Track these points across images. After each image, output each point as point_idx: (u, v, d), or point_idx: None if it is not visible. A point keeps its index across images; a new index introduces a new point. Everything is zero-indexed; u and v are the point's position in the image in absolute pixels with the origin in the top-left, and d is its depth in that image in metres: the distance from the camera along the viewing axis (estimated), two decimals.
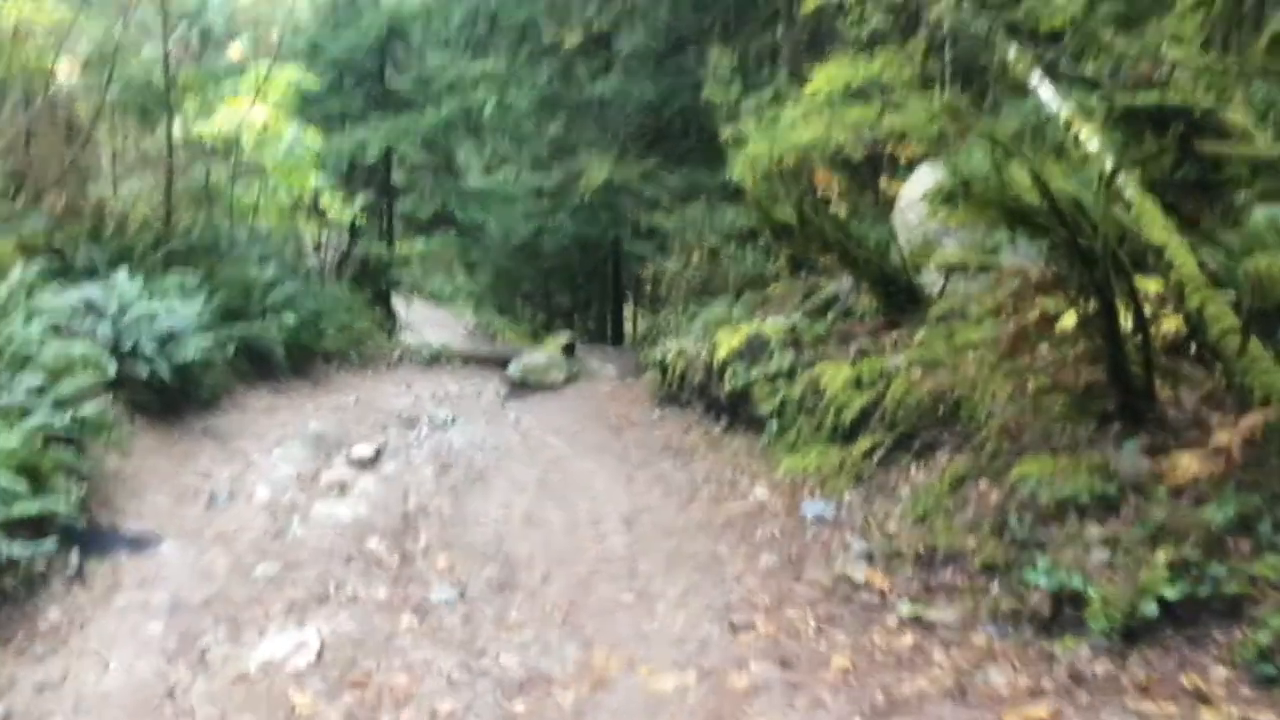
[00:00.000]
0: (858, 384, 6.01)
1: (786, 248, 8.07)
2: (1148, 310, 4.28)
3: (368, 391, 11.76)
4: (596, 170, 12.86)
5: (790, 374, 6.81)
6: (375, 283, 17.50)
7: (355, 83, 17.24)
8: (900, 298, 7.21)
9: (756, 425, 6.86)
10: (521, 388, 11.35)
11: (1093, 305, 4.64)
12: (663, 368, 8.65)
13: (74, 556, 4.66)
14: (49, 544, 4.09)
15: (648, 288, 22.41)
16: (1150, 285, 4.55)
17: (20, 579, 4.08)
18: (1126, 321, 4.18)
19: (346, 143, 16.22)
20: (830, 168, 8.97)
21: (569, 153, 17.49)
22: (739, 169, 7.30)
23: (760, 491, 5.86)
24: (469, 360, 17.99)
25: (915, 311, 7.06)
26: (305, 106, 14.78)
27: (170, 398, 7.77)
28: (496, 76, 16.95)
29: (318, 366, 12.31)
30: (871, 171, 9.58)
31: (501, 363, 16.92)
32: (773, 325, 7.39)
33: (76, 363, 5.84)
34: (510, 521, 5.52)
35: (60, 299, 6.64)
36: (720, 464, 6.64)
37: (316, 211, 14.33)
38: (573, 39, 15.14)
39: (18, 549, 3.90)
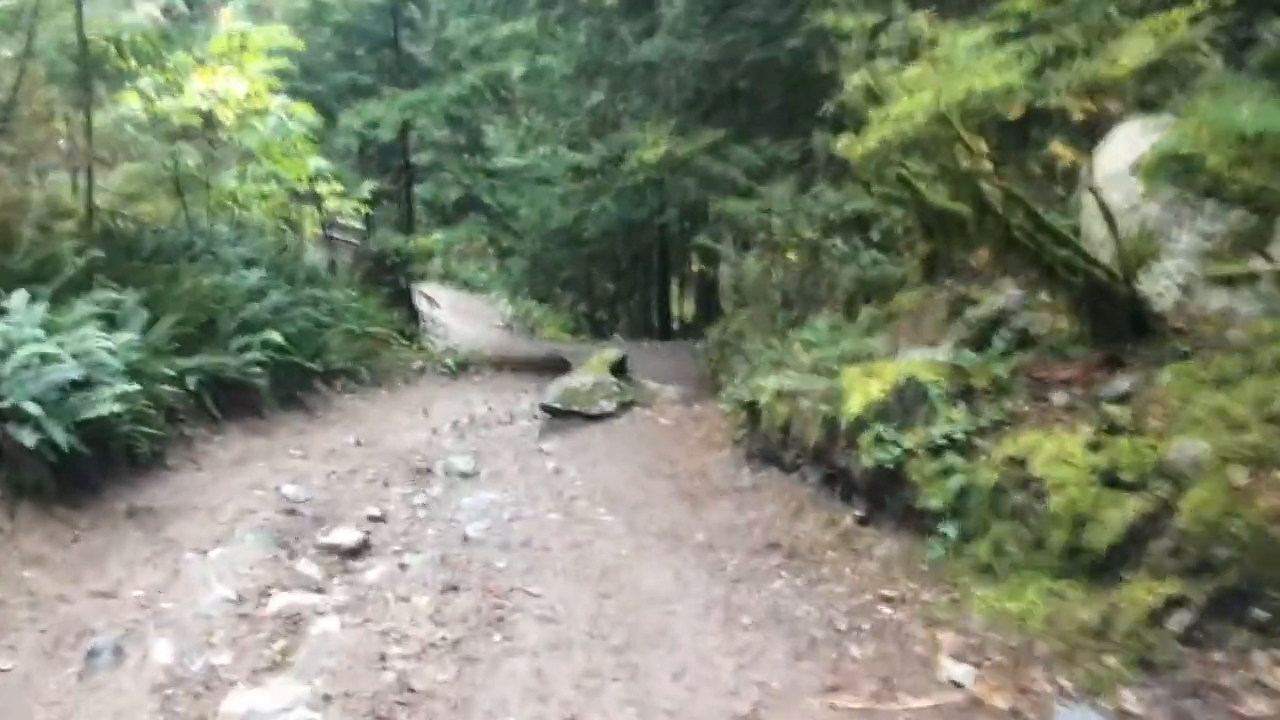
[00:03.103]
0: (1109, 479, 3.68)
1: (944, 245, 5.69)
2: None
3: (374, 423, 9.58)
4: (650, 145, 10.51)
5: (965, 445, 4.48)
6: (393, 280, 15.35)
7: (366, 50, 15.02)
8: (1117, 319, 4.85)
9: (914, 521, 4.55)
10: (563, 417, 9.11)
11: None
12: (753, 410, 6.31)
13: None
14: None
15: (699, 276, 20.13)
16: None
17: None
18: None
19: (357, 119, 14.03)
20: (971, 130, 6.58)
21: (612, 126, 15.20)
22: (869, 139, 4.88)
23: (954, 664, 3.55)
24: (502, 365, 15.79)
25: (1144, 341, 4.72)
26: (307, 78, 12.65)
27: (79, 470, 5.64)
28: (528, 39, 14.64)
29: (316, 391, 10.15)
30: (1022, 136, 7.21)
31: (539, 367, 14.69)
32: (926, 363, 5.05)
33: None
34: None
35: None
36: (868, 588, 4.33)
37: (318, 201, 12.16)
38: None
39: None
